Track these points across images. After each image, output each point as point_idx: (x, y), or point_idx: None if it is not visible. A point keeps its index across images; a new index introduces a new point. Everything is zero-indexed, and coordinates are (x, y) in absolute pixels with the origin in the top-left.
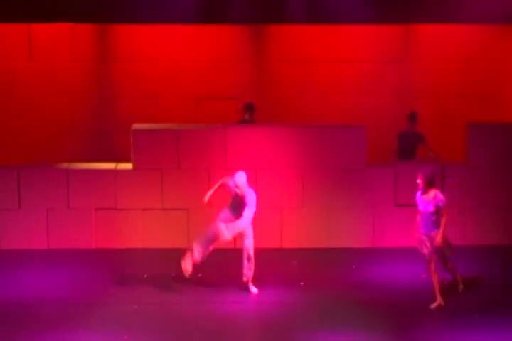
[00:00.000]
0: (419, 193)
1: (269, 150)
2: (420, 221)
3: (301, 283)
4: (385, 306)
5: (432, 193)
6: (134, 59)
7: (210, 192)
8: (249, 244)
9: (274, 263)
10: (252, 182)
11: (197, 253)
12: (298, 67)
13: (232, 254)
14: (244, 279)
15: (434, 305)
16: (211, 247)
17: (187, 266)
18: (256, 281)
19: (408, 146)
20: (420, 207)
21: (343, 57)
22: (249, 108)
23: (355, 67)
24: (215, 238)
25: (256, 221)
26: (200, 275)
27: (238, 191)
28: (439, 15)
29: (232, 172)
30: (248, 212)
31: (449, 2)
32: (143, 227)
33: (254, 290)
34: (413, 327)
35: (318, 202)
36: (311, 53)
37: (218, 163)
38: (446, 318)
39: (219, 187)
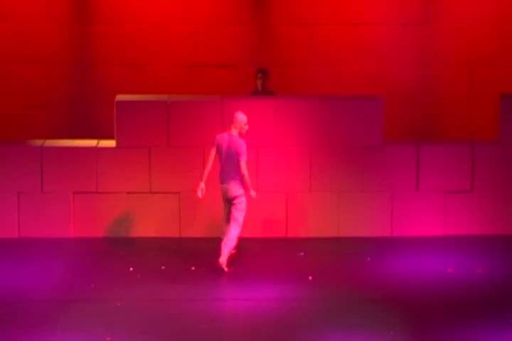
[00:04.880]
0: None
1: (272, 126)
2: None
3: (310, 278)
4: (403, 304)
5: None
6: (118, 20)
7: (204, 178)
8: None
9: (278, 254)
10: (252, 161)
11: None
12: (306, 30)
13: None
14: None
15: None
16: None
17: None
18: (257, 275)
19: None
20: None
21: (357, 19)
22: (261, 74)
23: (371, 30)
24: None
25: (257, 206)
26: (193, 268)
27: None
28: None
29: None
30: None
31: None
32: (128, 213)
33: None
34: (432, 328)
35: (329, 184)
36: (321, 14)
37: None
38: (470, 318)
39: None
